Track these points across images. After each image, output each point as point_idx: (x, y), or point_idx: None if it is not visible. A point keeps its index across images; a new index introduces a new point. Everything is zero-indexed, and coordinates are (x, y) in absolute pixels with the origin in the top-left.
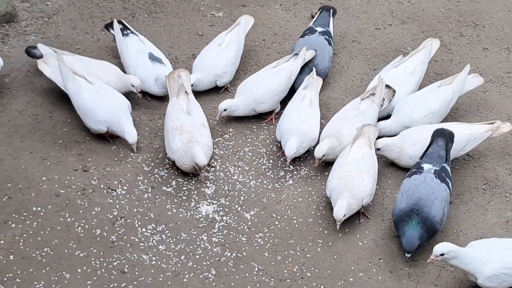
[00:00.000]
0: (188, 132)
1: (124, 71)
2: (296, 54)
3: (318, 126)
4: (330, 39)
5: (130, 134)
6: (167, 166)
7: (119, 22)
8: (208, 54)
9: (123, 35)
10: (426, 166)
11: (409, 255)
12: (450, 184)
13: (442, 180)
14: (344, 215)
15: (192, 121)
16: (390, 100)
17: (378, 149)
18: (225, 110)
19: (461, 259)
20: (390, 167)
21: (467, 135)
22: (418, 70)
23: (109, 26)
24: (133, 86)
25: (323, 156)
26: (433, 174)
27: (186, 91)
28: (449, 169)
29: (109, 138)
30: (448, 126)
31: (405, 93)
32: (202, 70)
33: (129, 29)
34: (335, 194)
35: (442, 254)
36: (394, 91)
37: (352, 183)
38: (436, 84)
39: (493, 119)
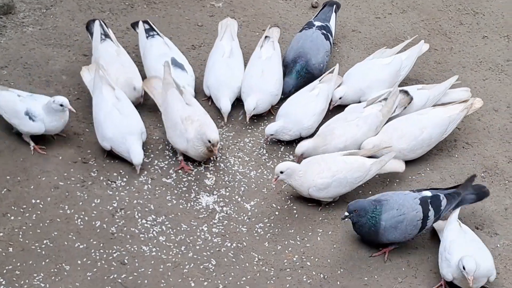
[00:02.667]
0: (197, 120)
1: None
2: (267, 36)
3: (317, 118)
4: (328, 34)
5: (135, 154)
6: (167, 157)
7: (145, 22)
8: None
9: (148, 36)
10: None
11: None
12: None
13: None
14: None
15: (197, 111)
16: (405, 107)
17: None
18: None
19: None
20: None
21: (447, 117)
22: (396, 63)
23: (136, 24)
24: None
25: (302, 154)
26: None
27: (179, 89)
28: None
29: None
30: (426, 112)
31: (376, 81)
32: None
33: (155, 30)
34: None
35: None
36: (411, 98)
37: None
38: (417, 87)
39: (493, 107)
